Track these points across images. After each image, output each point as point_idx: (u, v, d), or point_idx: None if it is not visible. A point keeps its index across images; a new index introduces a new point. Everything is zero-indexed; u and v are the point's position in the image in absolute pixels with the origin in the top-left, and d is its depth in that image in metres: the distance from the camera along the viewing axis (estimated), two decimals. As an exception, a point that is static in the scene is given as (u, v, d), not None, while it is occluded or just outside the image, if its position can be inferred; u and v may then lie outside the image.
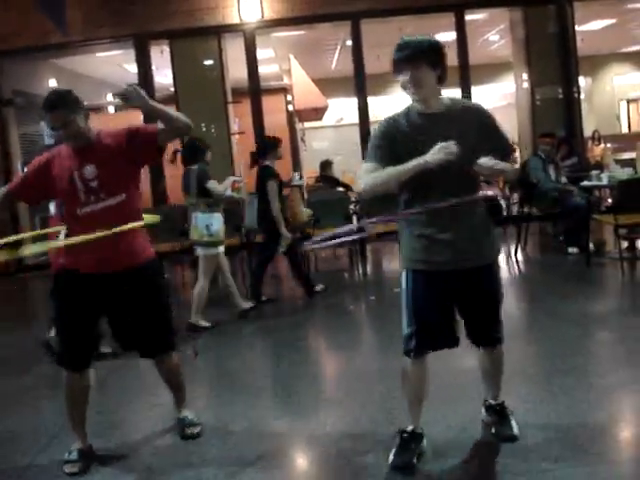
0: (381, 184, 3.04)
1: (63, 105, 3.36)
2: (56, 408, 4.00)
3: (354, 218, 8.93)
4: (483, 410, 3.59)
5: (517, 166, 3.15)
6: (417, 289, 3.15)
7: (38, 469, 3.61)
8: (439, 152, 2.83)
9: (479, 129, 3.04)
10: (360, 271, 8.57)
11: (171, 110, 3.49)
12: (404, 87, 3.02)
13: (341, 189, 10.30)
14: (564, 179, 8.53)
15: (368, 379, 4.64)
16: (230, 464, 3.48)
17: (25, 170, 3.56)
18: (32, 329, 6.79)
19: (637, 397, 3.96)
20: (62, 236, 3.80)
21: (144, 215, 3.64)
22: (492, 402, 3.53)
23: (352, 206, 9.15)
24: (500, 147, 3.09)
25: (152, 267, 3.64)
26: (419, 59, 2.95)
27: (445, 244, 3.06)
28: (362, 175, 3.08)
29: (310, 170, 14.30)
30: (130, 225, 3.41)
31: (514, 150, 3.58)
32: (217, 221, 6.17)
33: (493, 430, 3.46)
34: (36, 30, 10.22)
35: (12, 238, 3.96)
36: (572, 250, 8.06)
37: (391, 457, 3.25)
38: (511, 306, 6.07)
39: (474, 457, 3.32)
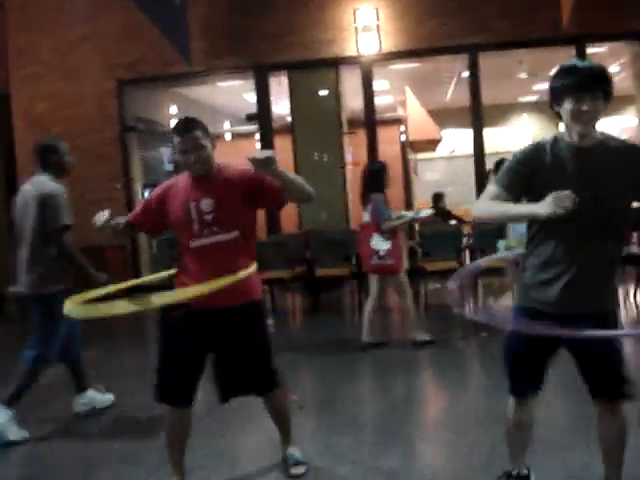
0: (491, 217, 2.90)
1: (197, 128, 3.42)
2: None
3: (466, 252, 8.82)
4: None
5: None
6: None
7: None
8: (551, 204, 2.46)
9: (633, 171, 2.72)
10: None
11: (297, 179, 3.46)
12: (573, 116, 2.68)
13: (454, 222, 10.20)
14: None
15: (479, 419, 4.54)
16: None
17: (146, 197, 3.60)
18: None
19: None
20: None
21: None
22: None
23: (465, 240, 9.03)
24: None
25: (260, 307, 3.66)
26: (599, 90, 2.67)
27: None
28: (481, 197, 2.88)
29: (421, 202, 14.24)
30: (249, 270, 3.43)
31: None
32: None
33: None
34: (160, 60, 10.68)
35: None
36: None
37: None
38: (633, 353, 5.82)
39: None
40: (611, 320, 2.87)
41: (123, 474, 3.97)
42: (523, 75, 13.83)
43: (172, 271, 3.72)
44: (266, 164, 3.17)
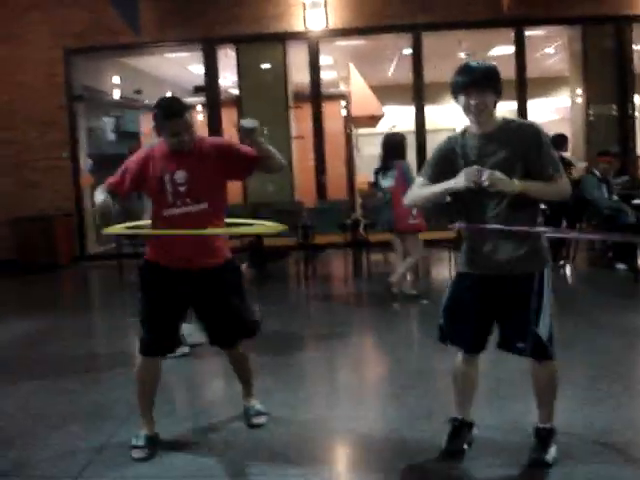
0: (420, 200, 3.47)
1: (187, 110, 3.65)
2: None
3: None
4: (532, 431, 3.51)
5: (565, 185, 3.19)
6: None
7: (119, 446, 3.86)
8: (463, 177, 3.09)
9: (528, 149, 3.18)
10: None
11: (272, 149, 3.75)
12: (465, 109, 3.20)
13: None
14: (615, 197, 8.70)
15: (423, 377, 4.93)
16: (296, 449, 3.76)
17: (123, 168, 3.74)
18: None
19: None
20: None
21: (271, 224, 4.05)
22: (539, 425, 3.46)
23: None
24: (547, 169, 3.19)
25: (229, 267, 3.90)
26: (486, 85, 3.16)
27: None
28: (412, 188, 3.46)
29: (362, 175, 14.57)
30: (211, 231, 3.71)
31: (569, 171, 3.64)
32: None
33: (530, 453, 3.40)
34: (108, 29, 10.73)
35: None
36: (620, 266, 8.25)
37: (443, 443, 3.54)
38: (557, 317, 6.27)
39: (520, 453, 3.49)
40: (536, 280, 3.26)
41: (93, 426, 4.19)
42: (462, 55, 14.22)
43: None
44: (251, 132, 3.54)
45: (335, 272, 10.06)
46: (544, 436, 3.42)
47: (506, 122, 3.27)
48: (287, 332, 6.15)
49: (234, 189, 10.91)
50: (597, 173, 8.64)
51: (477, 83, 3.15)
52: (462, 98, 3.19)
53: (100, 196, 3.57)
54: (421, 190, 3.36)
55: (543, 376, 3.38)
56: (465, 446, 3.53)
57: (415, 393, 4.55)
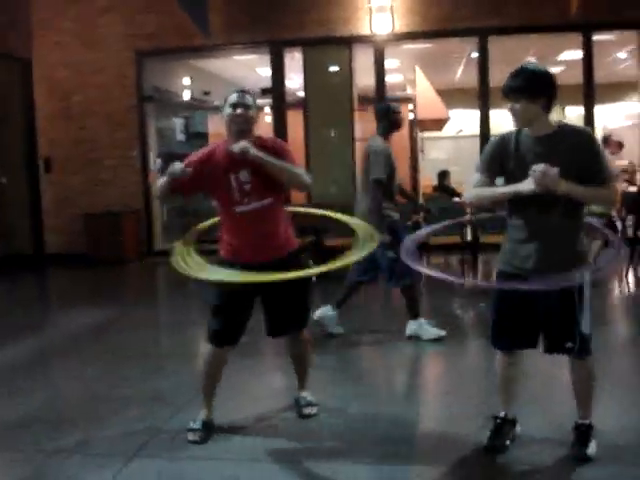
0: (481, 199, 3.54)
1: (250, 95, 3.89)
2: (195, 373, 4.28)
3: (468, 228, 9.22)
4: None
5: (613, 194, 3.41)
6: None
7: (174, 430, 4.04)
8: (533, 183, 3.15)
9: (581, 155, 3.26)
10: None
11: (289, 167, 3.84)
12: (509, 112, 3.31)
13: (457, 199, 10.57)
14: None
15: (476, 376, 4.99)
16: (344, 440, 3.87)
17: (184, 162, 3.83)
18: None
19: None
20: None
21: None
22: (579, 421, 3.54)
23: (467, 216, 9.40)
24: (598, 175, 3.27)
25: (297, 256, 4.06)
26: (518, 94, 3.24)
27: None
28: (469, 186, 3.52)
29: (426, 179, 14.58)
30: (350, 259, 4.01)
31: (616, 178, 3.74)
32: None
33: (571, 448, 3.49)
34: (178, 32, 11.02)
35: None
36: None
37: (486, 439, 3.61)
38: (618, 325, 6.25)
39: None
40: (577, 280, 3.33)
41: (151, 411, 4.38)
42: (531, 59, 14.12)
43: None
44: (244, 154, 3.67)
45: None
46: (584, 431, 3.50)
47: (560, 127, 3.33)
48: (346, 331, 6.25)
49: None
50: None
51: (511, 90, 3.26)
52: (508, 101, 3.31)
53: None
54: (483, 190, 3.43)
55: (584, 372, 3.48)
56: (507, 442, 3.60)
57: (463, 393, 4.62)
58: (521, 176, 3.24)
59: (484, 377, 4.85)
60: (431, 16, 10.69)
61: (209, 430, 3.93)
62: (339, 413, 4.25)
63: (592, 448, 3.44)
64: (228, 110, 3.84)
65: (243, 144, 3.68)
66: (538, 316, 3.43)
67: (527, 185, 3.19)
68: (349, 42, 11.09)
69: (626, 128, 14.60)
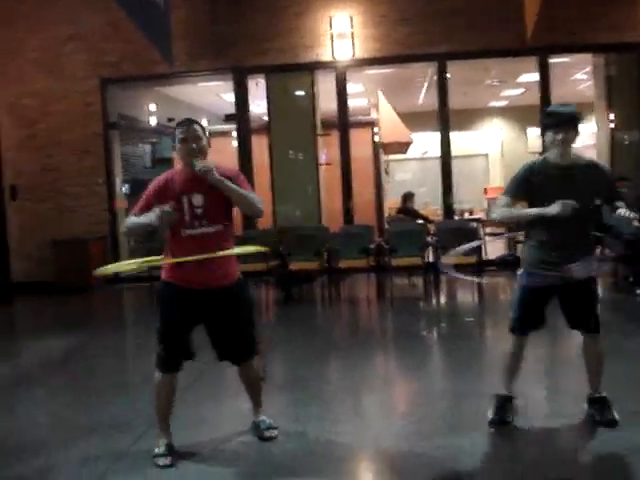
0: (512, 219, 4.49)
1: (197, 124, 3.99)
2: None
3: (430, 250, 9.37)
4: (586, 405, 4.24)
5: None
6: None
7: (135, 455, 4.10)
8: (558, 207, 3.80)
9: (602, 183, 4.04)
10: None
11: (244, 193, 3.96)
12: (551, 143, 3.98)
13: (420, 221, 10.74)
14: (637, 223, 8.74)
15: (433, 397, 5.08)
16: (305, 463, 3.93)
17: (146, 193, 4.02)
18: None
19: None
20: None
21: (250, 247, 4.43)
22: (594, 394, 4.17)
23: (429, 238, 9.57)
24: (611, 197, 4.18)
25: (240, 286, 4.15)
26: (571, 124, 3.95)
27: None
28: (497, 206, 4.26)
29: (392, 201, 14.77)
30: (230, 252, 3.98)
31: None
32: None
33: (596, 417, 4.10)
34: (142, 59, 11.13)
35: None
36: (640, 292, 8.36)
37: (489, 415, 4.15)
38: (573, 339, 6.37)
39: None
40: (592, 279, 4.15)
41: (113, 438, 4.42)
42: (492, 82, 14.40)
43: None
44: (206, 173, 3.82)
45: (359, 295, 10.21)
46: (602, 400, 4.13)
47: (577, 157, 4.08)
48: (308, 352, 6.31)
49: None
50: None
51: (564, 123, 3.94)
52: (550, 134, 3.97)
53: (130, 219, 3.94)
54: (510, 210, 4.12)
55: (596, 348, 4.16)
56: (509, 418, 4.15)
57: (424, 412, 4.71)
58: (547, 197, 3.89)
59: (441, 397, 4.99)
60: (390, 42, 10.89)
61: (175, 453, 3.99)
62: (298, 436, 4.30)
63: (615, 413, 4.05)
64: (179, 145, 3.96)
65: (208, 165, 3.82)
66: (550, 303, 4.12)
67: (553, 209, 3.83)
68: (312, 68, 11.27)
69: (585, 148, 14.87)
